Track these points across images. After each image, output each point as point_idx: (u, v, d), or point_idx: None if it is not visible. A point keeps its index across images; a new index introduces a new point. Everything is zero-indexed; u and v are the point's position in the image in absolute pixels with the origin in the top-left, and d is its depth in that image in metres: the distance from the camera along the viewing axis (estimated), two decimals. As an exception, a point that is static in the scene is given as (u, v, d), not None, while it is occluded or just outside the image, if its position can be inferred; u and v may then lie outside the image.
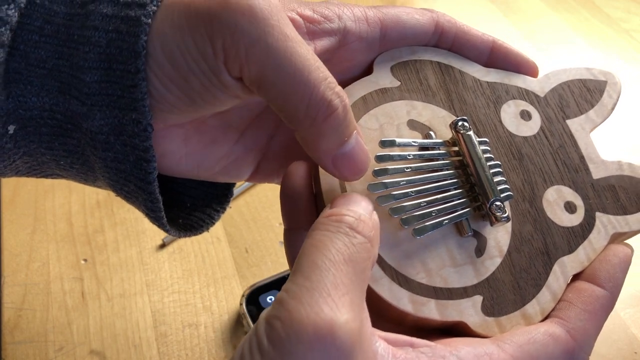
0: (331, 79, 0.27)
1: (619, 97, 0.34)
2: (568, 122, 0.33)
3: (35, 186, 0.58)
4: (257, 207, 0.58)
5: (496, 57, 0.34)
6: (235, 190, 0.58)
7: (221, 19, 0.26)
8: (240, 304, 0.48)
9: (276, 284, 0.50)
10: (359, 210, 0.26)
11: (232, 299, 0.51)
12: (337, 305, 0.22)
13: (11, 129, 0.29)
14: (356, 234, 0.25)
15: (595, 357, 0.46)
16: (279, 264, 0.53)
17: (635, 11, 0.81)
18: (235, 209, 0.58)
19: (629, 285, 0.51)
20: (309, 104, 0.27)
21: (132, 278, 0.52)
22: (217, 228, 0.56)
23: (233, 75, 0.27)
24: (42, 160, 0.31)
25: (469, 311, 0.28)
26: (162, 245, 0.54)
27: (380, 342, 0.24)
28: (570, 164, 0.32)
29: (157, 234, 0.55)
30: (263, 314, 0.24)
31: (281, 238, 0.54)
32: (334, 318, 0.22)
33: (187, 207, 0.37)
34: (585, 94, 0.34)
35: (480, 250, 0.30)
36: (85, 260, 0.53)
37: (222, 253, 0.54)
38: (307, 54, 0.27)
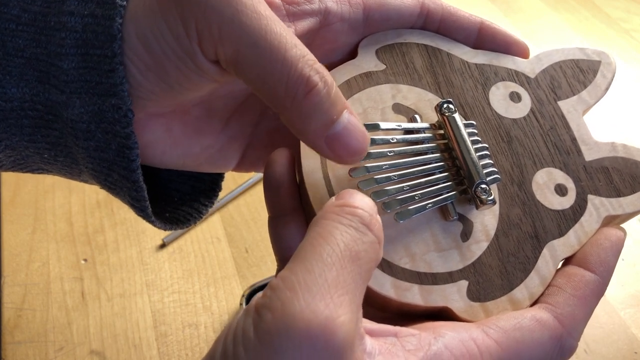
0: (310, 57, 0.26)
1: (613, 77, 0.33)
2: (560, 103, 0.32)
3: (35, 186, 0.59)
4: (257, 207, 0.57)
5: (484, 38, 0.33)
6: (235, 190, 0.58)
7: None
8: (240, 304, 0.48)
9: (276, 284, 0.49)
10: (369, 207, 0.25)
11: (232, 299, 0.50)
12: (335, 304, 0.21)
13: None
14: (368, 232, 0.24)
15: (595, 357, 0.45)
16: (279, 264, 0.52)
17: (635, 11, 0.80)
18: (235, 209, 0.57)
19: (629, 285, 0.50)
20: (287, 82, 0.26)
21: (132, 278, 0.52)
22: (217, 228, 0.55)
23: (208, 58, 0.27)
24: (25, 154, 0.31)
25: (453, 296, 0.27)
26: (162, 245, 0.54)
27: (367, 339, 0.23)
28: (561, 146, 0.31)
29: (157, 234, 0.54)
30: (253, 301, 0.22)
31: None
32: (330, 318, 0.21)
33: (174, 201, 0.36)
34: (578, 74, 0.33)
35: (466, 235, 0.29)
36: (85, 260, 0.53)
37: (222, 253, 0.54)
38: (282, 31, 0.26)
